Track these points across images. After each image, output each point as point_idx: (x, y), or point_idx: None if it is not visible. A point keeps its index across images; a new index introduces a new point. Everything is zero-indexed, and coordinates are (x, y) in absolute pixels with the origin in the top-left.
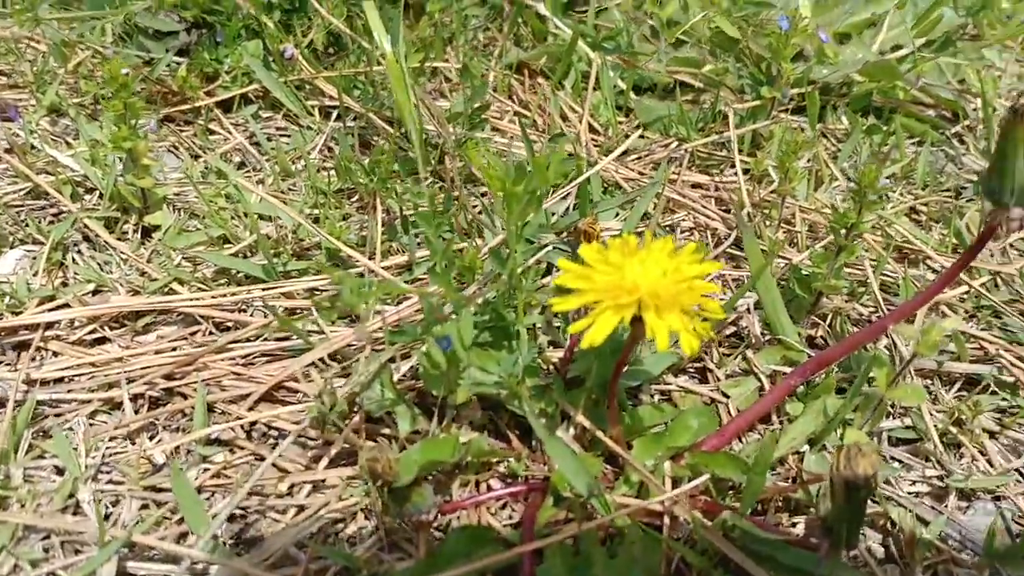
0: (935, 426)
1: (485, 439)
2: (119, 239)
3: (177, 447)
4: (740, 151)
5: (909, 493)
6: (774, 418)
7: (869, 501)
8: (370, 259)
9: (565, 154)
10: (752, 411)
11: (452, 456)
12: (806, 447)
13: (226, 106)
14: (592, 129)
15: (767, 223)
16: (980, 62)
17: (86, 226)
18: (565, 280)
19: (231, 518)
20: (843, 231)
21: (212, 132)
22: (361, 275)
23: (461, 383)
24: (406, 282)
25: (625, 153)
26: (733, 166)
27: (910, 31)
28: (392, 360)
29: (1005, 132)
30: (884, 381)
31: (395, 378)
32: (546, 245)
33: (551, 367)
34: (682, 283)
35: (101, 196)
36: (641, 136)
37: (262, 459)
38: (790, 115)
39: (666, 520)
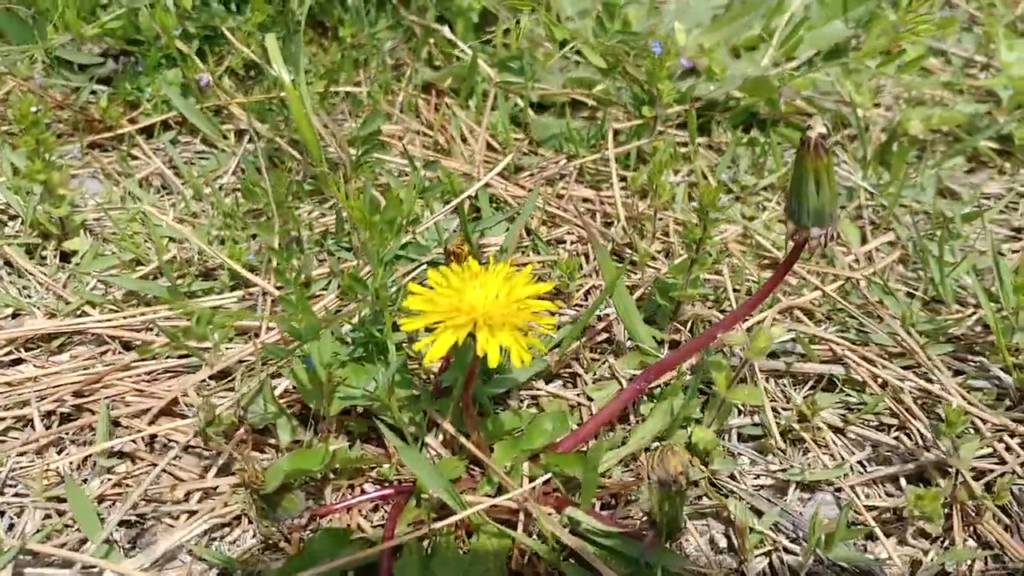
0: (776, 423)
1: (356, 448)
2: (39, 264)
3: (84, 459)
4: (627, 167)
5: (753, 487)
6: (632, 419)
7: (712, 494)
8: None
9: (421, 184)
10: (602, 414)
11: (319, 464)
12: (656, 444)
13: (149, 132)
14: (491, 147)
15: (642, 235)
16: (864, 73)
17: (7, 252)
18: (412, 303)
19: (129, 524)
20: (693, 245)
21: (134, 157)
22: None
23: (335, 397)
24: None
25: (519, 170)
26: (620, 180)
27: (792, 45)
28: (279, 375)
29: (798, 161)
30: (723, 383)
31: (279, 392)
32: (427, 262)
33: (429, 379)
34: (515, 304)
35: (23, 223)
36: (535, 153)
37: (163, 470)
38: (676, 130)
39: (521, 517)
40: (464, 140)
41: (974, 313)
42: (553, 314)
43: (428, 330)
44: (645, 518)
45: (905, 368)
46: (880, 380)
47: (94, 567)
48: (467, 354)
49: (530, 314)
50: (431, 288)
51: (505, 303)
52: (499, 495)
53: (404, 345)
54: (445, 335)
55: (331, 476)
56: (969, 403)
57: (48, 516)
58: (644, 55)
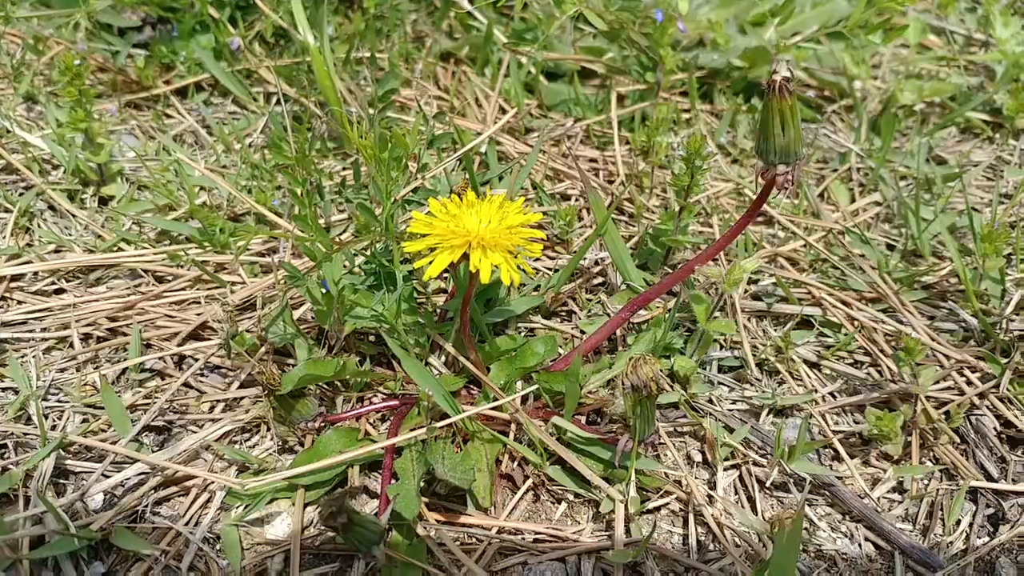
0: (754, 356)
1: (366, 364)
2: (79, 207)
3: (119, 375)
4: (631, 129)
5: (729, 410)
6: (620, 348)
7: (690, 414)
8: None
9: (431, 133)
10: (589, 341)
11: (331, 372)
12: None
13: (183, 93)
14: (503, 111)
15: (641, 191)
16: (866, 49)
17: (51, 197)
18: (413, 227)
19: (158, 430)
20: (682, 193)
21: (169, 116)
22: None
23: (347, 317)
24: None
25: (529, 131)
26: (624, 143)
27: (797, 22)
28: (297, 305)
29: (765, 103)
30: (703, 315)
31: (296, 317)
32: None
33: (435, 309)
34: (506, 229)
35: (64, 171)
36: (545, 116)
37: (188, 385)
38: (679, 97)
39: (512, 428)
40: (479, 104)
41: (948, 265)
42: (542, 241)
43: (430, 251)
44: (622, 426)
45: (880, 311)
46: (856, 322)
47: (125, 460)
48: (466, 280)
49: (520, 239)
50: (432, 215)
51: (497, 228)
52: (495, 409)
53: (412, 279)
54: (442, 255)
55: (342, 388)
56: (936, 342)
57: (86, 419)
58: (648, 23)
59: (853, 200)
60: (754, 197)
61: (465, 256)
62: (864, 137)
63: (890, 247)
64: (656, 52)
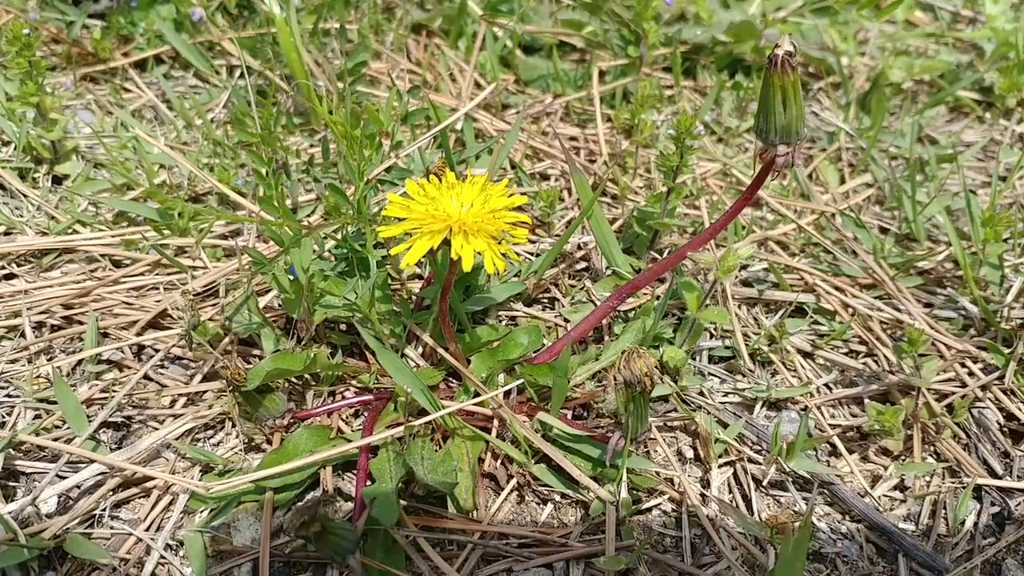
0: (746, 345)
1: (338, 356)
2: (31, 187)
3: (74, 367)
4: (612, 107)
5: (720, 403)
6: (606, 338)
7: (681, 408)
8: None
9: (404, 109)
10: (576, 330)
11: (300, 366)
12: None
13: (141, 66)
14: (478, 86)
15: (624, 171)
16: (851, 25)
17: (0, 175)
18: (390, 211)
19: (116, 426)
20: (671, 174)
21: (127, 90)
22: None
23: (317, 307)
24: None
25: (506, 107)
26: (606, 120)
27: None
28: (263, 292)
29: (765, 79)
30: (694, 304)
31: (262, 306)
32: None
33: (410, 296)
34: (489, 213)
35: (15, 148)
36: (522, 92)
37: (147, 377)
38: (662, 73)
39: (495, 424)
40: (452, 79)
41: (945, 249)
42: (527, 226)
43: (408, 237)
44: (613, 423)
45: (876, 298)
46: (851, 309)
47: (81, 460)
48: (444, 264)
49: (504, 224)
50: (409, 198)
51: (480, 212)
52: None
53: (386, 264)
54: (421, 241)
55: (313, 382)
56: (935, 331)
57: (38, 416)
58: None
59: (843, 181)
60: (742, 178)
61: (446, 242)
62: (853, 115)
63: (883, 231)
64: (639, 25)
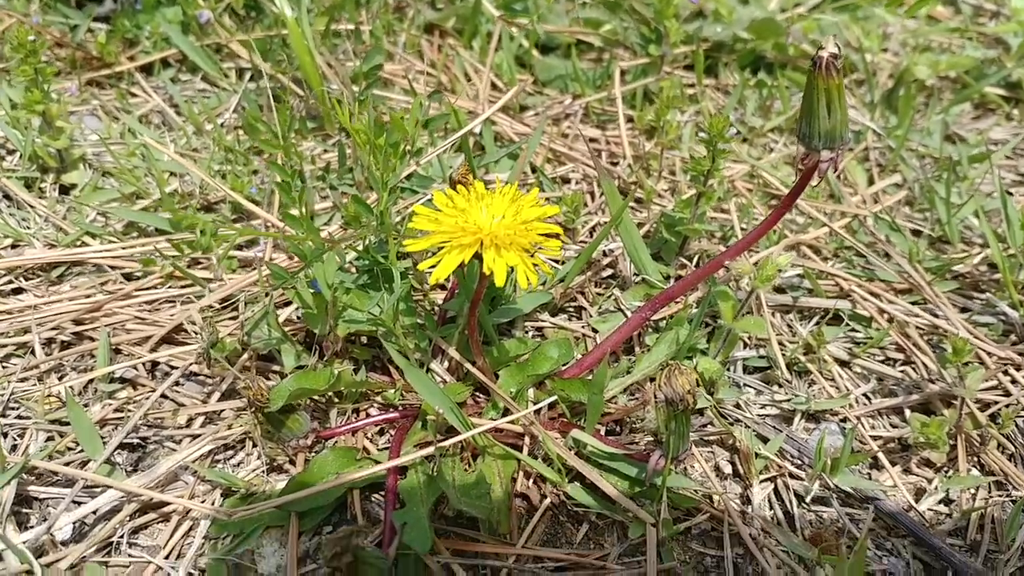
0: (783, 355)
1: (361, 372)
2: (38, 197)
3: (86, 385)
4: (633, 107)
5: (758, 415)
6: (637, 349)
7: (718, 421)
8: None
9: (425, 115)
10: (608, 342)
11: (324, 385)
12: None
13: (148, 70)
14: (495, 87)
15: (648, 174)
16: (873, 20)
17: (6, 185)
18: (417, 223)
19: (131, 447)
20: (701, 178)
21: (134, 95)
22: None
23: (340, 322)
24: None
25: (524, 109)
26: (628, 121)
27: None
28: (283, 305)
29: (808, 82)
30: (729, 313)
31: (282, 319)
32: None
33: (433, 307)
34: (521, 224)
35: (21, 157)
36: (540, 93)
37: (163, 395)
38: (683, 71)
39: (526, 441)
40: (468, 80)
41: (980, 252)
42: (559, 237)
43: (436, 251)
44: (650, 440)
45: (912, 304)
46: (887, 315)
47: (97, 485)
48: (472, 280)
49: (536, 235)
50: (437, 210)
51: (511, 223)
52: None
53: (409, 274)
54: (451, 254)
55: (336, 400)
56: (975, 337)
57: (51, 438)
58: None
59: (871, 182)
60: (770, 180)
61: (476, 255)
62: (879, 114)
63: (915, 233)
64: (660, 23)
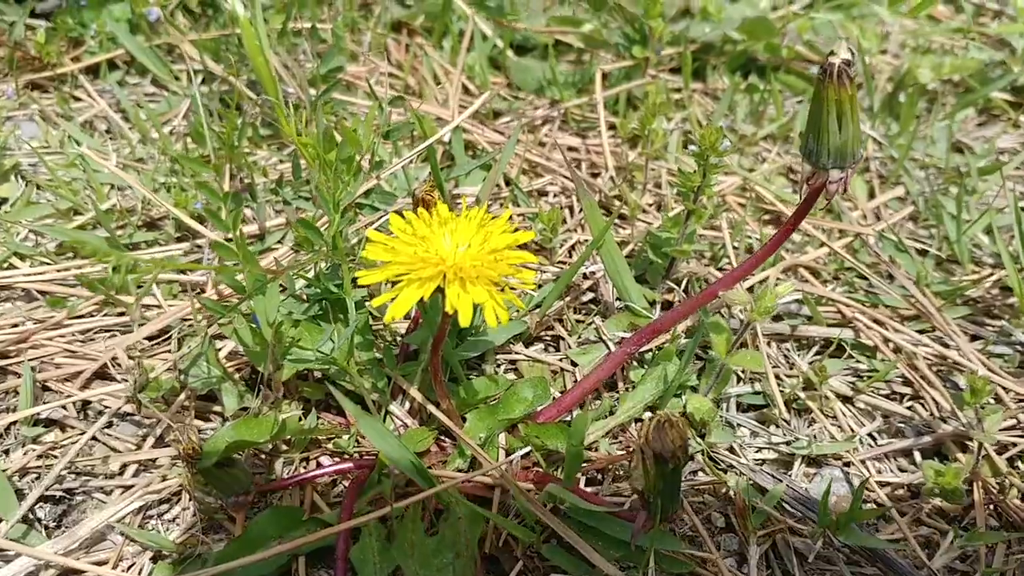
0: (780, 391)
1: (311, 417)
2: None
3: (7, 427)
4: (615, 113)
5: (754, 461)
6: (621, 386)
7: (709, 469)
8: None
9: (386, 123)
10: (588, 380)
11: (267, 435)
12: (647, 414)
13: (93, 71)
14: (467, 91)
15: (632, 187)
16: (870, 19)
17: None
18: (371, 252)
19: (55, 500)
20: (691, 195)
21: (77, 99)
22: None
23: (285, 360)
24: (259, 252)
25: (497, 115)
26: (610, 128)
27: None
28: (225, 336)
29: (817, 92)
30: (723, 347)
31: (224, 353)
32: (393, 212)
33: (395, 339)
34: (490, 254)
35: None
36: (515, 98)
37: (94, 438)
38: (669, 75)
39: (496, 494)
40: (437, 82)
41: (992, 274)
42: (534, 267)
43: (392, 284)
44: (636, 496)
45: (919, 332)
46: (892, 345)
47: (7, 550)
48: (436, 312)
49: (507, 266)
50: (394, 236)
51: (478, 253)
52: (472, 470)
53: (366, 303)
54: (409, 290)
55: (282, 447)
56: (990, 370)
57: None
58: None
59: (872, 195)
60: (764, 194)
61: (439, 290)
62: (878, 120)
63: (920, 252)
64: (646, 22)
